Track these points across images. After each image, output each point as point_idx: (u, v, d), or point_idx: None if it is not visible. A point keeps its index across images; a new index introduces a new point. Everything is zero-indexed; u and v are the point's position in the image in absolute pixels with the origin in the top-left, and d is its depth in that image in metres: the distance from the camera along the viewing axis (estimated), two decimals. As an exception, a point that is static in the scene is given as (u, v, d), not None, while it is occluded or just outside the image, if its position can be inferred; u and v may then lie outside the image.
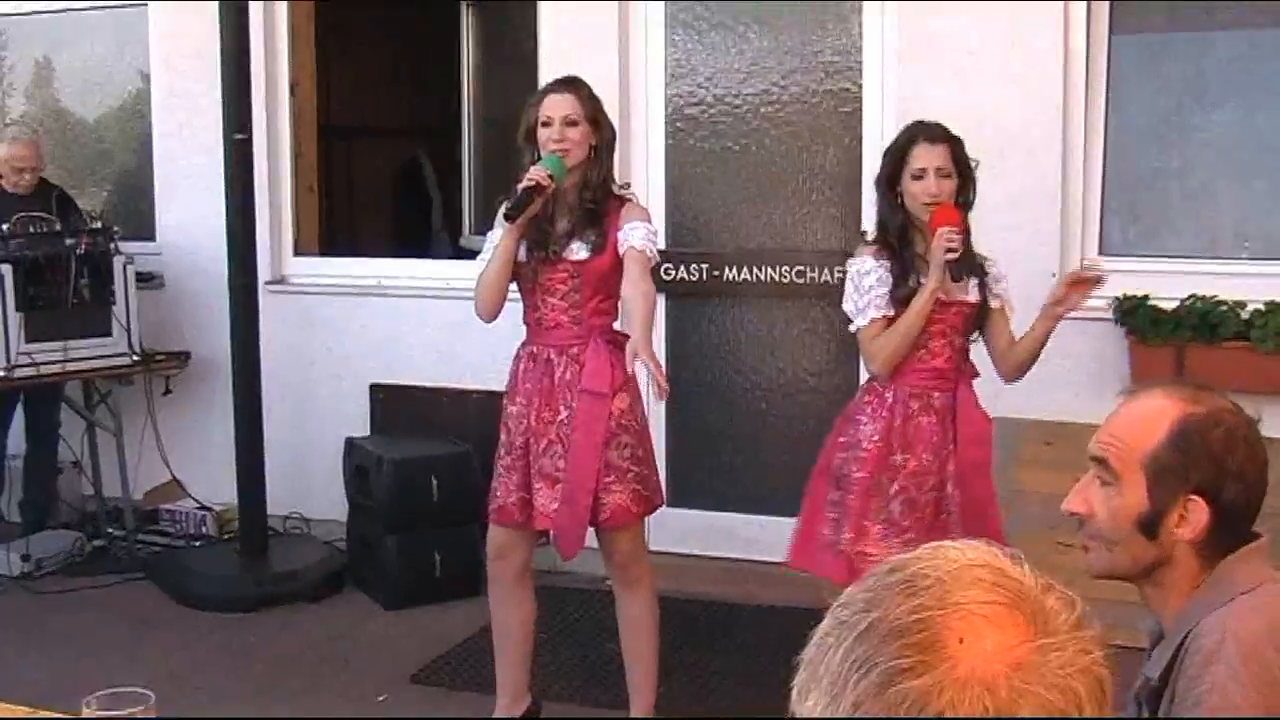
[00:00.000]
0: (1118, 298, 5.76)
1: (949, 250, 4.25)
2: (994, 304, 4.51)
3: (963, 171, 4.42)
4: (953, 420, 4.43)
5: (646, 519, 4.98)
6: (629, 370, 4.37)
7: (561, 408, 4.65)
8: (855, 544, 4.38)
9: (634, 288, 4.46)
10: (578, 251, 4.61)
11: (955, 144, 4.43)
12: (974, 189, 4.47)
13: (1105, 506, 2.26)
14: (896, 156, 4.43)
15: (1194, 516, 2.20)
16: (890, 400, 4.44)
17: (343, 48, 8.54)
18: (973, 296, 4.44)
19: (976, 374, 4.58)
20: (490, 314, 4.69)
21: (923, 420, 4.40)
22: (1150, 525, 2.23)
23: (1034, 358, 4.51)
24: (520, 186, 4.51)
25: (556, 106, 4.62)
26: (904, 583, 1.22)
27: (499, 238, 4.62)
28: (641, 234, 4.57)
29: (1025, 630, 1.19)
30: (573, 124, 4.60)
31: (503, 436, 4.79)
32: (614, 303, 4.67)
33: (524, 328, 4.79)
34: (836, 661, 1.20)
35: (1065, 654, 1.18)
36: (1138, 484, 2.23)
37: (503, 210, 4.57)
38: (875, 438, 4.44)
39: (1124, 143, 6.09)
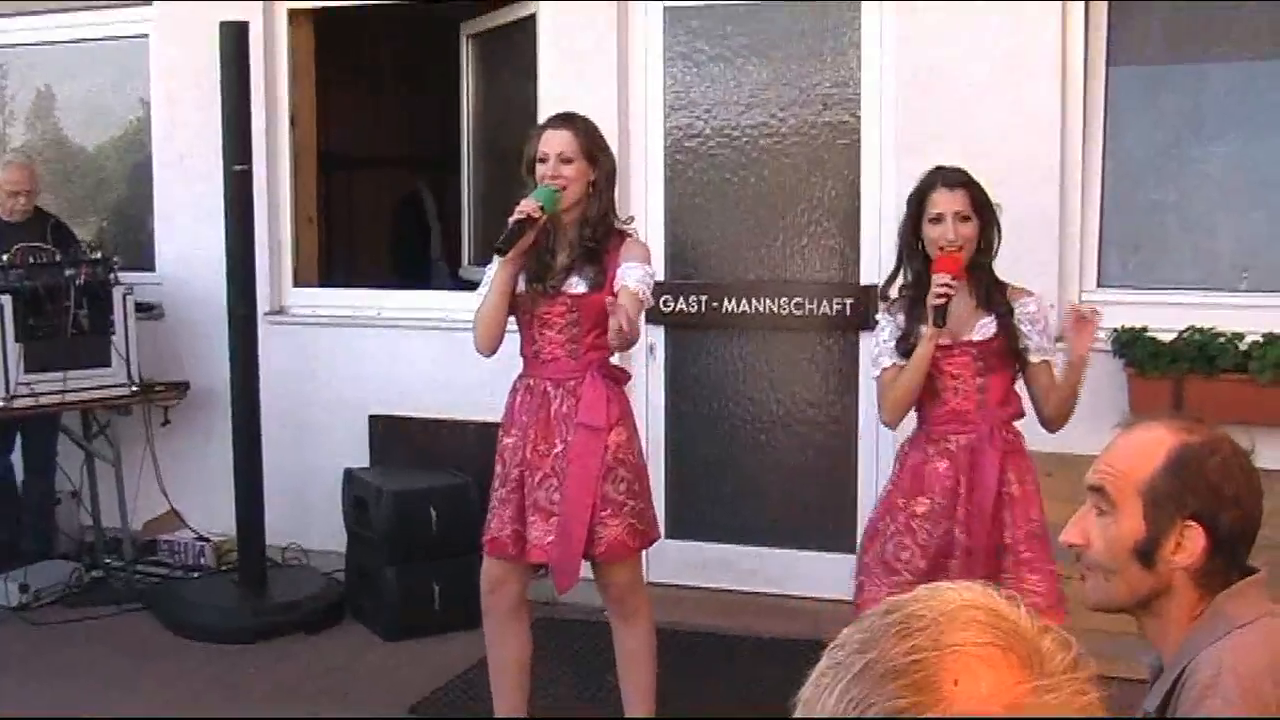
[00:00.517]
0: (1116, 329, 5.78)
1: (938, 297, 4.28)
2: (1033, 359, 4.47)
3: (983, 214, 4.42)
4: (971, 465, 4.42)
5: (644, 552, 4.99)
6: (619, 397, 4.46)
7: (557, 441, 4.67)
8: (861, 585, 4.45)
9: None
10: (576, 286, 4.64)
11: (974, 188, 4.44)
12: (998, 231, 4.46)
13: (1102, 536, 2.28)
14: (916, 201, 4.45)
15: (1191, 543, 2.21)
16: (909, 447, 4.47)
17: (343, 79, 8.59)
18: (980, 335, 4.42)
19: (1020, 414, 4.53)
20: (489, 347, 4.72)
21: (939, 465, 4.39)
22: (1147, 553, 2.24)
23: (1068, 406, 4.48)
24: (511, 220, 4.54)
25: (553, 143, 4.65)
26: (899, 624, 1.23)
27: (495, 270, 4.65)
28: (638, 275, 4.61)
29: (1020, 672, 1.19)
30: (568, 161, 4.63)
31: (498, 468, 4.80)
32: (607, 339, 4.69)
33: (521, 360, 4.81)
34: (832, 703, 1.20)
35: (1060, 695, 1.18)
36: (1134, 512, 2.24)
37: (496, 244, 4.60)
38: (889, 484, 4.49)
39: (1122, 174, 6.12)
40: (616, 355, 4.77)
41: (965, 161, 5.81)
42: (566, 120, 4.75)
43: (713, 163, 6.64)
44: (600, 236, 4.65)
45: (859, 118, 6.36)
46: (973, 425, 4.40)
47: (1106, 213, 6.10)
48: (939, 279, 4.29)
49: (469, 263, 7.92)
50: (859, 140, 6.33)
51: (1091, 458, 2.35)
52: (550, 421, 4.68)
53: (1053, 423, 4.51)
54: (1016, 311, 4.45)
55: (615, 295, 4.50)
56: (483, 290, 4.73)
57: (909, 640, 1.20)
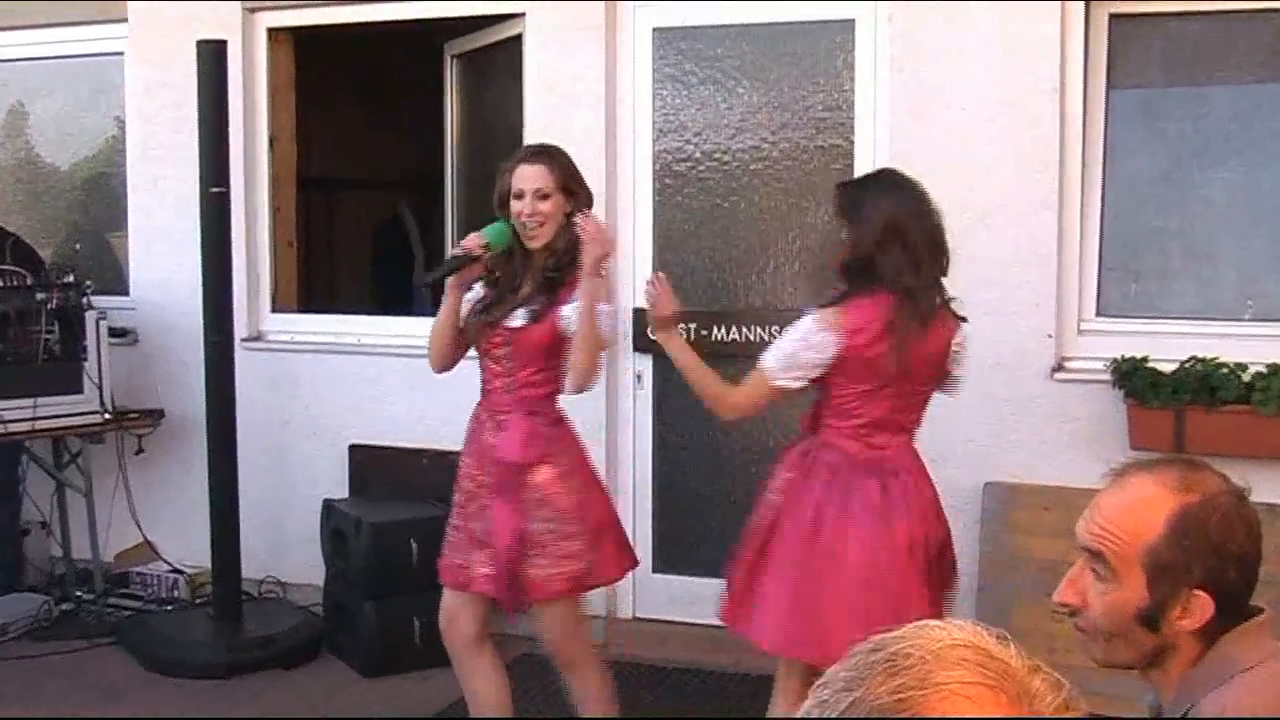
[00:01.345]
0: (1116, 360, 5.79)
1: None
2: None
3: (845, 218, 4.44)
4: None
5: (587, 595, 4.96)
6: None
7: (489, 472, 4.70)
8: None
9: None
10: (515, 319, 4.64)
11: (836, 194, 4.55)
12: (865, 232, 4.37)
13: (1101, 600, 2.24)
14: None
15: (1198, 609, 2.19)
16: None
17: (324, 100, 8.59)
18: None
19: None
20: (439, 366, 4.85)
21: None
22: (1152, 619, 2.21)
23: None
24: (451, 254, 4.59)
25: (528, 178, 4.64)
26: (886, 661, 1.23)
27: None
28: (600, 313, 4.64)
29: (1010, 711, 1.19)
30: (544, 197, 4.62)
31: (455, 495, 4.84)
32: (551, 375, 4.69)
33: None
34: None
35: None
36: (1136, 580, 2.20)
37: (429, 275, 4.68)
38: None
39: (1122, 200, 6.13)
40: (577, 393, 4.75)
41: (962, 186, 5.86)
42: (542, 154, 4.75)
43: (703, 187, 6.65)
44: (563, 267, 4.64)
45: (852, 142, 6.37)
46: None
47: (1106, 239, 6.11)
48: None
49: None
50: (853, 165, 6.32)
51: (1091, 491, 2.32)
52: (483, 451, 4.72)
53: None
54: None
55: (561, 330, 4.59)
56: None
57: (896, 679, 1.21)
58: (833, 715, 1.20)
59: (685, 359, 4.55)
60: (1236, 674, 2.17)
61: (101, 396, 6.84)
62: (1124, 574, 2.21)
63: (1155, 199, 6.16)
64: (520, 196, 4.62)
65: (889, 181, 4.51)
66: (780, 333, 6.17)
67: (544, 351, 4.63)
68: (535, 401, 4.69)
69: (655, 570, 6.74)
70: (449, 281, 4.66)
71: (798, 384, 4.36)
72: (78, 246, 8.03)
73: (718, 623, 6.03)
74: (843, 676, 1.24)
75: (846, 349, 4.27)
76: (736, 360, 6.55)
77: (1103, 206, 6.09)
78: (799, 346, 4.31)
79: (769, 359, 4.38)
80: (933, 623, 1.28)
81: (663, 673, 6.31)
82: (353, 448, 7.17)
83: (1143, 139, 6.15)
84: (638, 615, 6.81)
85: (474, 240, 4.59)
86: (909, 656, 1.22)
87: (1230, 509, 2.21)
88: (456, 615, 4.81)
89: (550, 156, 4.72)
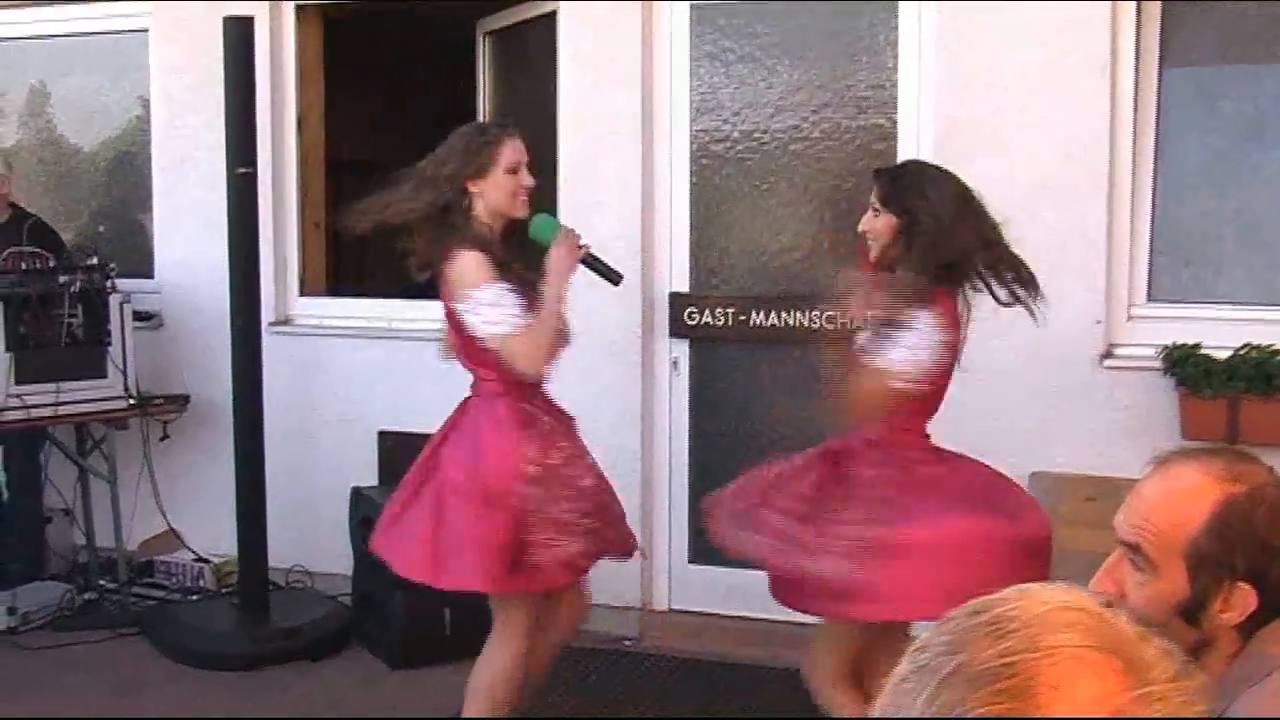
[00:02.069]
0: (1167, 347, 5.77)
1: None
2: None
3: (896, 208, 4.42)
4: None
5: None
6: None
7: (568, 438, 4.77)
8: None
9: None
10: None
11: (883, 179, 4.51)
12: (920, 226, 4.37)
13: (1139, 592, 2.21)
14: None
15: (1240, 602, 2.17)
16: None
17: (353, 80, 8.60)
18: None
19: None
20: (546, 369, 4.71)
21: None
22: (1192, 613, 2.19)
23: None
24: (591, 253, 4.69)
25: (521, 151, 4.69)
26: (991, 624, 1.21)
27: (553, 288, 4.62)
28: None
29: (1124, 679, 1.17)
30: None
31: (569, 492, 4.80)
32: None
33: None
34: (919, 708, 1.18)
35: (1169, 705, 1.16)
36: (1177, 572, 2.18)
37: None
38: None
39: (1175, 182, 6.10)
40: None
41: (1008, 168, 5.84)
42: (516, 126, 4.82)
43: (741, 168, 6.65)
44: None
45: (895, 122, 6.35)
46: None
47: (1157, 222, 6.08)
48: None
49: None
50: (895, 145, 6.32)
51: (1139, 481, 2.30)
52: (551, 427, 4.73)
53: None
54: None
55: None
56: (505, 312, 4.58)
57: (1002, 642, 1.19)
58: (935, 680, 1.18)
59: None
60: (1275, 670, 2.14)
61: (126, 382, 6.87)
62: (1163, 565, 2.19)
63: (1209, 181, 6.13)
64: (516, 170, 4.65)
65: (929, 166, 4.55)
66: (819, 318, 6.22)
67: None
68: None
69: (691, 561, 6.75)
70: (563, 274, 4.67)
71: (914, 387, 4.32)
72: (101, 228, 8.07)
73: (754, 615, 6.05)
74: (942, 640, 1.22)
75: (948, 346, 4.30)
76: (775, 347, 6.58)
77: (1154, 189, 6.06)
78: (921, 348, 4.27)
79: (888, 360, 4.27)
80: (1035, 586, 1.26)
81: (698, 666, 6.32)
82: (382, 434, 7.19)
83: (1196, 119, 6.11)
84: (673, 607, 6.83)
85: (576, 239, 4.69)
86: (1014, 619, 1.20)
87: (1277, 501, 2.18)
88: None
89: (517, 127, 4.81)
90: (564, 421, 4.76)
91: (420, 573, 4.66)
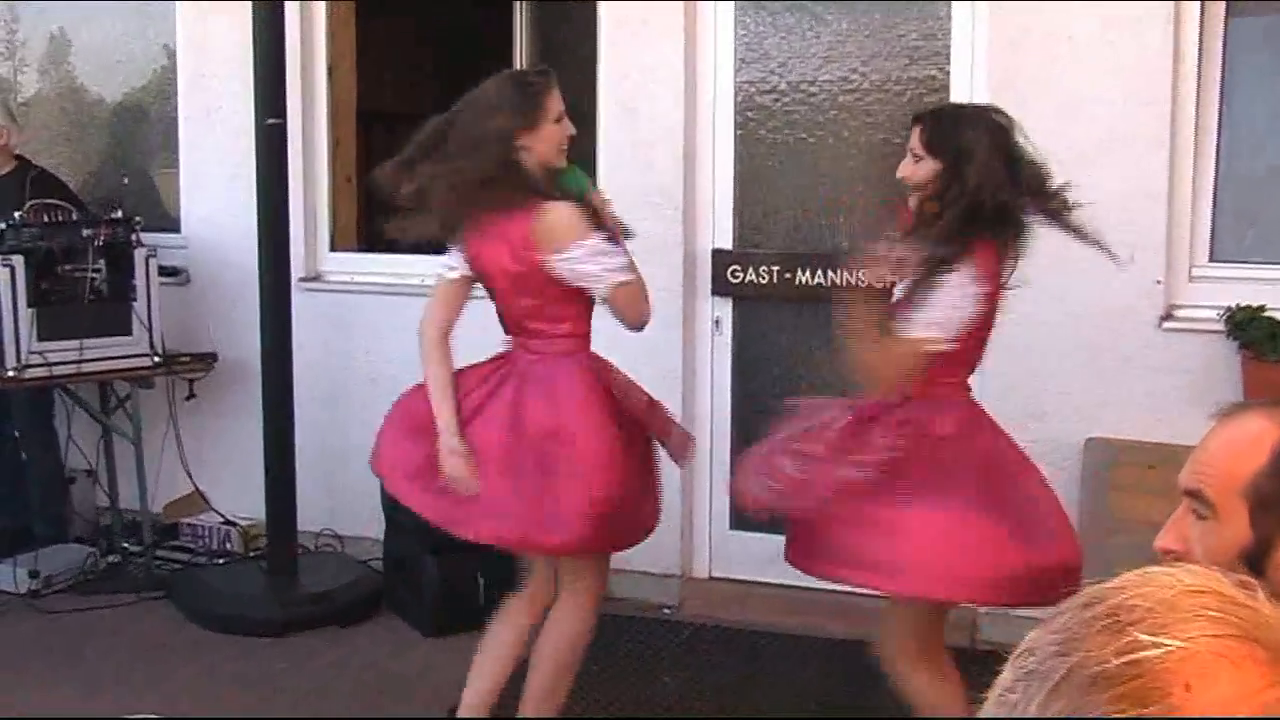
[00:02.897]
0: (1230, 308, 5.73)
1: None
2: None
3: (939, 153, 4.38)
4: None
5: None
6: None
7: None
8: None
9: None
10: None
11: (925, 123, 4.46)
12: (964, 173, 4.32)
13: (1202, 543, 2.19)
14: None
15: None
16: None
17: (386, 31, 8.58)
18: None
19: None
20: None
21: None
22: (1255, 560, 2.19)
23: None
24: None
25: (560, 99, 4.68)
26: (1107, 617, 1.11)
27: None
28: None
29: (1270, 670, 1.07)
30: None
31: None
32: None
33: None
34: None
35: None
36: (1238, 517, 2.16)
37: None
38: None
39: (1240, 136, 6.05)
40: None
41: (1065, 121, 5.80)
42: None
43: (787, 121, 6.63)
44: None
45: (948, 73, 6.32)
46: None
47: (1221, 179, 6.03)
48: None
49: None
50: (947, 97, 6.27)
51: None
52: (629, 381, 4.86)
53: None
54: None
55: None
56: (620, 260, 4.62)
57: (1122, 637, 1.09)
58: (1046, 687, 1.09)
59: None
60: None
61: (151, 339, 6.88)
62: (1224, 510, 2.17)
63: (1276, 135, 6.09)
64: (561, 119, 4.64)
65: (970, 108, 4.51)
66: (843, 277, 6.19)
67: None
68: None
69: (732, 528, 6.75)
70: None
71: (946, 347, 4.30)
72: (125, 180, 8.08)
73: (796, 583, 6.06)
74: (1051, 639, 1.12)
75: (986, 298, 4.28)
76: (821, 306, 6.55)
77: (1219, 143, 6.00)
78: (954, 307, 4.24)
79: (919, 326, 4.24)
80: (1156, 569, 1.15)
81: (739, 635, 6.34)
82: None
83: (1265, 70, 6.06)
84: (714, 575, 6.84)
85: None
86: (1134, 609, 1.10)
87: None
88: None
89: None
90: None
91: (516, 537, 4.66)
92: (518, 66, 7.73)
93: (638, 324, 4.63)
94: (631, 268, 4.58)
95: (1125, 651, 1.07)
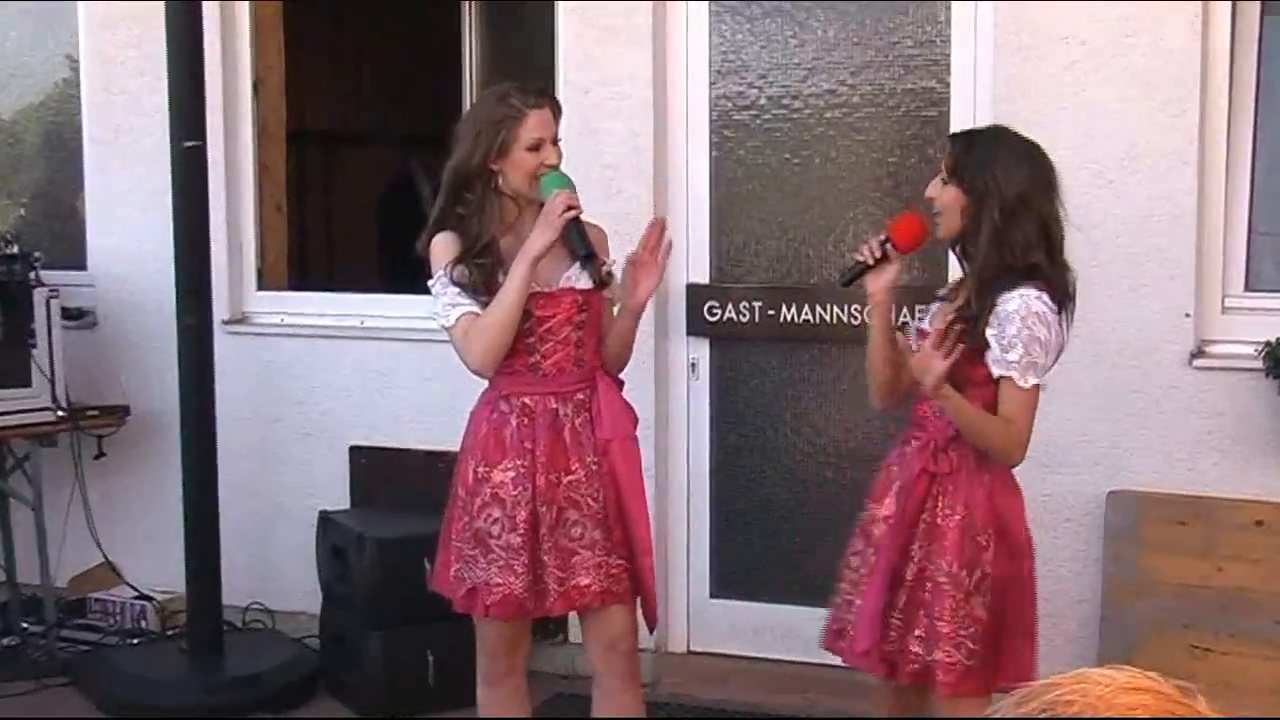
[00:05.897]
0: (1269, 344, 5.75)
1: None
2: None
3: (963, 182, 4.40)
4: None
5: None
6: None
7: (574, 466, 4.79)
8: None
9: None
10: (579, 279, 4.75)
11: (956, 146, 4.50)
12: (990, 201, 4.33)
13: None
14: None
15: None
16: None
17: (319, 41, 8.60)
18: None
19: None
20: (497, 363, 4.76)
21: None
22: None
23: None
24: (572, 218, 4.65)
25: (546, 125, 4.71)
26: (1041, 714, 1.16)
27: (519, 269, 4.63)
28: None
29: None
30: (556, 142, 4.74)
31: (495, 512, 4.82)
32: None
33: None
34: None
35: None
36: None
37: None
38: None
39: (1277, 151, 6.09)
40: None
41: (1080, 136, 5.83)
42: (546, 94, 4.85)
43: (769, 139, 6.66)
44: None
45: (948, 84, 6.36)
46: None
47: (1257, 199, 6.07)
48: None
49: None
50: (948, 111, 6.33)
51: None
52: (565, 445, 4.76)
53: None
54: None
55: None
56: (451, 306, 4.76)
57: None
58: None
59: (966, 411, 4.34)
60: None
61: (54, 390, 6.86)
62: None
63: (1317, 150, 6.13)
64: (538, 147, 4.67)
65: (1010, 138, 4.51)
66: (861, 312, 6.22)
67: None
68: (597, 370, 4.85)
69: (713, 595, 6.75)
70: (532, 260, 4.64)
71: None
72: (22, 211, 8.06)
73: (785, 657, 6.06)
74: None
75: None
76: (809, 345, 6.58)
77: (1253, 159, 6.03)
78: (1049, 339, 4.31)
79: (1022, 370, 4.27)
80: (1093, 670, 1.21)
81: (721, 716, 6.33)
82: (354, 450, 7.20)
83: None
84: (692, 649, 6.83)
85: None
86: (1071, 704, 1.16)
87: None
88: (515, 647, 5.00)
89: (553, 99, 4.84)
90: None
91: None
92: (467, 76, 7.77)
93: (470, 368, 4.79)
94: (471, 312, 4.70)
95: None
